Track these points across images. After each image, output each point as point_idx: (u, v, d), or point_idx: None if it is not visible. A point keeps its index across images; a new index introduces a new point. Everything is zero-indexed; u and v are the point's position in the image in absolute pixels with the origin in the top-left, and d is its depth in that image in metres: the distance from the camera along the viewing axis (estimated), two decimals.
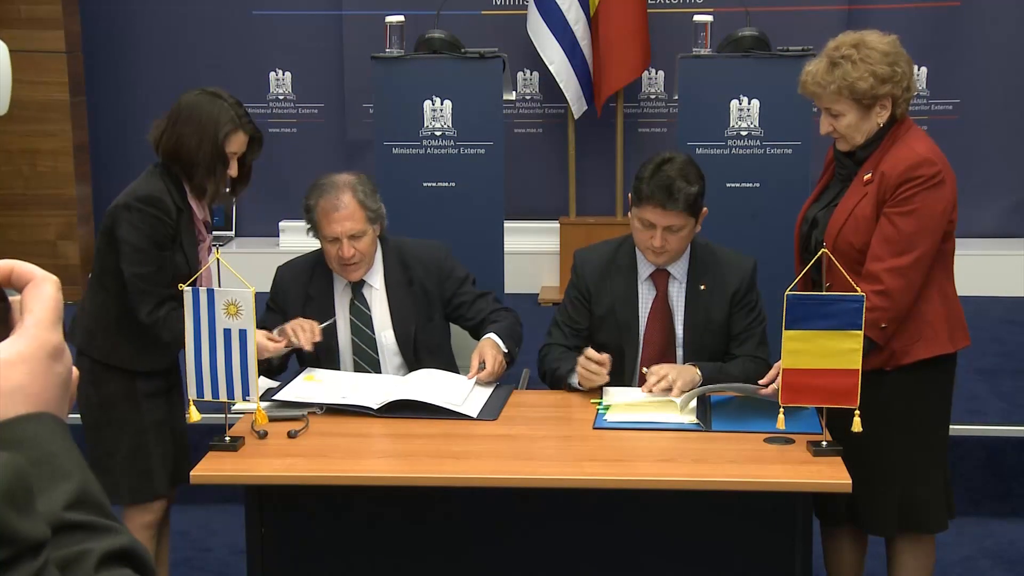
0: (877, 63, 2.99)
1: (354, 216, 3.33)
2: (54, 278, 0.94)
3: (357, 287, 3.47)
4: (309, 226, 3.43)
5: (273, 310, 3.52)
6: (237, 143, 3.21)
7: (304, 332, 3.27)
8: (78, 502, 0.85)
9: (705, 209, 3.33)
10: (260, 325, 3.48)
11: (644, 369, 3.28)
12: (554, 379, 3.38)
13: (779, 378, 2.89)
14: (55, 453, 0.86)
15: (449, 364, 3.50)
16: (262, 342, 3.16)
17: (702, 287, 3.37)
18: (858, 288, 2.81)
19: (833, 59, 3.03)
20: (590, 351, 3.27)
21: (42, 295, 0.92)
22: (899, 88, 3.02)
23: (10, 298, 0.93)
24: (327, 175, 3.44)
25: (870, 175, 3.04)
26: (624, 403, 3.17)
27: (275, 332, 3.29)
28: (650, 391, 3.17)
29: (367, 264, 3.43)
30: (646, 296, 3.40)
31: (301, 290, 3.48)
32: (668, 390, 3.16)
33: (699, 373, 3.22)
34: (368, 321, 3.47)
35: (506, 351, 3.38)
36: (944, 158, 3.06)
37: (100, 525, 0.85)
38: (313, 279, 3.48)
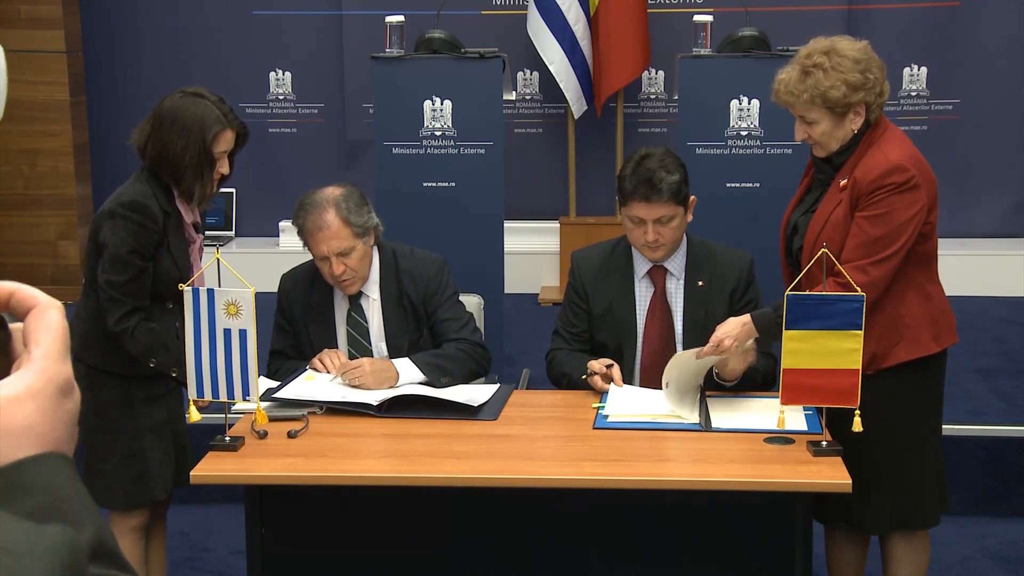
0: (849, 71, 2.98)
1: (339, 234, 3.29)
2: (58, 304, 0.87)
3: (354, 298, 3.45)
4: (302, 242, 3.42)
5: (284, 328, 3.49)
6: (226, 142, 3.20)
7: (331, 362, 3.33)
8: (95, 554, 0.78)
9: (693, 197, 3.34)
10: (276, 347, 3.48)
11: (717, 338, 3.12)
12: (570, 384, 3.39)
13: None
14: (68, 499, 0.79)
15: None
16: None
17: (700, 283, 3.37)
18: (858, 289, 2.81)
19: (805, 67, 3.02)
20: (599, 360, 3.29)
21: (49, 324, 0.86)
22: (872, 95, 3.01)
23: (10, 325, 0.86)
24: (312, 192, 3.38)
25: (846, 181, 3.03)
26: (624, 411, 3.14)
27: (307, 367, 3.34)
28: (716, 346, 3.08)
29: (361, 277, 3.40)
30: (644, 294, 3.41)
31: (303, 299, 3.47)
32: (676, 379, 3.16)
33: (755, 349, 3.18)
34: (365, 333, 3.45)
35: (423, 378, 3.30)
36: (921, 161, 3.04)
37: None
38: (314, 288, 3.46)
